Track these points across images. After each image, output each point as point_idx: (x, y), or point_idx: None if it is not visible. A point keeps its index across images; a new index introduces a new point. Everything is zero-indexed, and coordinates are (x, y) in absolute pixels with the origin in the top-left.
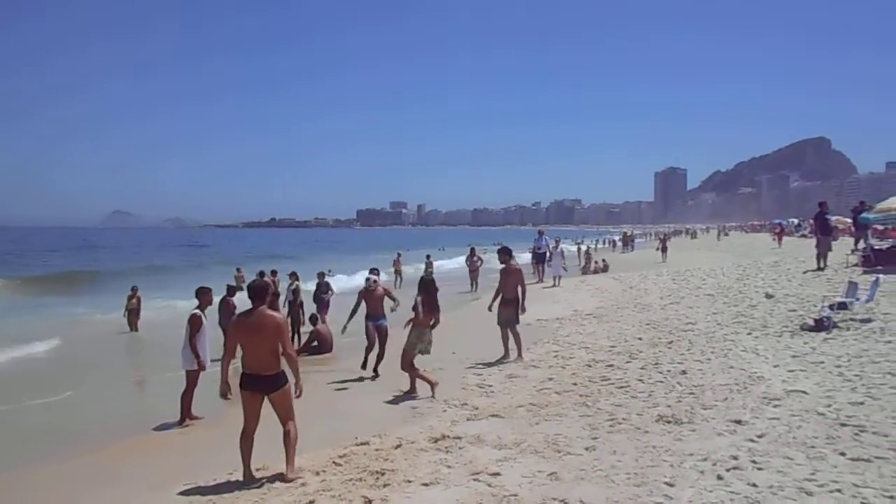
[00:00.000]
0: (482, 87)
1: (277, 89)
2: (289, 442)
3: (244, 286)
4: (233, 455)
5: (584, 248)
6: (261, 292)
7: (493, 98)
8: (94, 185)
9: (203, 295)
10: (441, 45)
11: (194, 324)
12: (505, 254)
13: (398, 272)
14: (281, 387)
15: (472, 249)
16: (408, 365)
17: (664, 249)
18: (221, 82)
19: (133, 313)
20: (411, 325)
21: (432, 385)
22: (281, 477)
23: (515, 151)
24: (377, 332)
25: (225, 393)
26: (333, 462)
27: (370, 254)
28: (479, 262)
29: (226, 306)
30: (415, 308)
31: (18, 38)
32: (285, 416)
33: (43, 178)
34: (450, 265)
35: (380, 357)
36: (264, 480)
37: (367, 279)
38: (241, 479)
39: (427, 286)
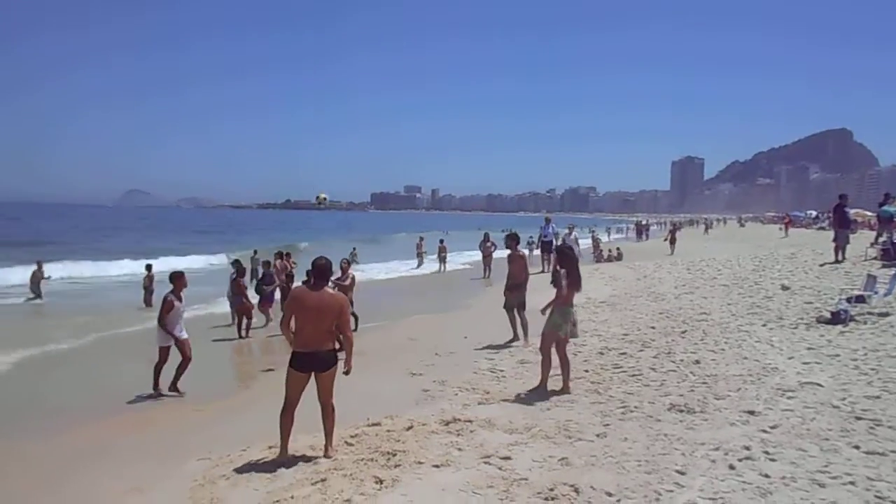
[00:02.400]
0: (502, 71)
1: (298, 70)
2: (329, 422)
3: (259, 268)
4: (246, 432)
5: (595, 237)
6: (325, 271)
7: (511, 83)
8: (110, 163)
9: (177, 279)
10: (463, 28)
11: (165, 306)
12: (512, 240)
13: (443, 259)
14: (332, 365)
15: (486, 235)
16: (547, 349)
17: (672, 241)
18: (241, 61)
19: (147, 291)
20: (552, 305)
21: (543, 382)
22: (312, 453)
23: (531, 138)
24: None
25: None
26: (345, 442)
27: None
28: (493, 248)
29: (237, 286)
30: (557, 283)
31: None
32: (328, 395)
33: (57, 157)
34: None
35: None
36: (297, 458)
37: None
38: (253, 455)
39: (567, 255)
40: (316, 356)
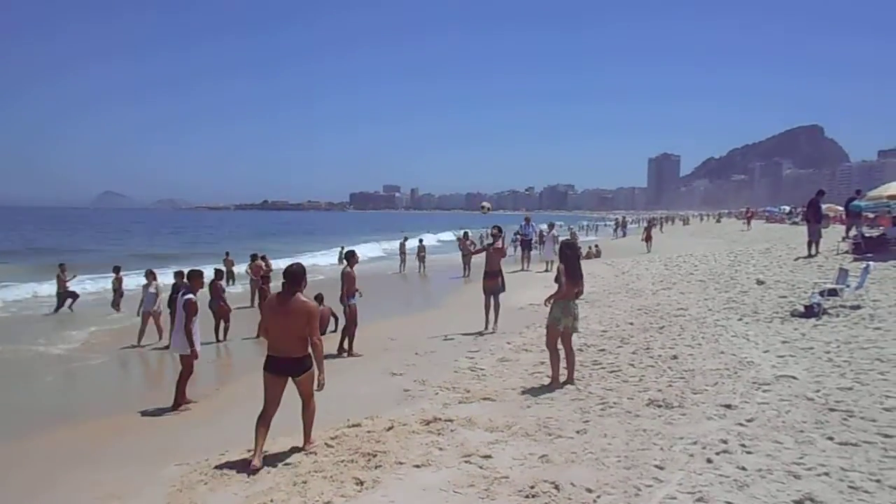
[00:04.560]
0: (479, 68)
1: (273, 72)
2: (308, 418)
3: (234, 270)
4: (225, 435)
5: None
6: (297, 277)
7: (489, 80)
8: (85, 165)
9: (194, 279)
10: (436, 26)
11: (190, 309)
12: (496, 229)
13: (422, 259)
14: (307, 370)
15: (466, 233)
16: (552, 344)
17: (648, 238)
18: (217, 64)
19: (117, 294)
20: (553, 299)
21: (554, 377)
22: (290, 450)
23: (509, 133)
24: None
25: None
26: (325, 443)
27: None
28: (473, 246)
29: (214, 289)
30: (557, 278)
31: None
32: (308, 397)
33: (33, 158)
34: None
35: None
36: (269, 451)
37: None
38: (232, 459)
39: (567, 251)
40: (287, 361)
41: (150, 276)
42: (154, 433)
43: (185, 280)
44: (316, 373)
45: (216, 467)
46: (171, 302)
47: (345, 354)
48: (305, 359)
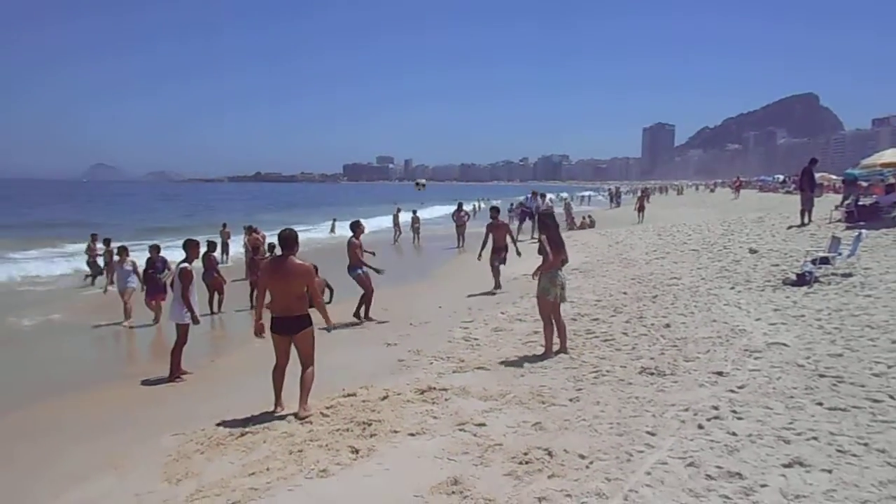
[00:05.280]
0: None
1: (275, 62)
2: (305, 383)
3: (229, 242)
4: (220, 405)
5: (568, 203)
6: (290, 241)
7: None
8: (75, 136)
9: (191, 248)
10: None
11: (186, 277)
12: (494, 211)
13: (416, 230)
14: (304, 328)
15: (460, 205)
16: (546, 314)
17: (641, 209)
18: (217, 54)
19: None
20: (540, 270)
21: (547, 346)
22: (294, 415)
23: (505, 103)
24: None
25: (259, 331)
26: (321, 413)
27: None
28: (466, 217)
29: (208, 261)
30: (541, 250)
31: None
32: (306, 358)
33: (30, 132)
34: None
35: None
36: (265, 420)
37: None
38: (228, 429)
39: (547, 221)
40: (287, 320)
41: (124, 252)
42: (149, 403)
43: (158, 254)
44: (314, 332)
45: (212, 437)
46: (147, 278)
47: (366, 320)
48: (304, 317)
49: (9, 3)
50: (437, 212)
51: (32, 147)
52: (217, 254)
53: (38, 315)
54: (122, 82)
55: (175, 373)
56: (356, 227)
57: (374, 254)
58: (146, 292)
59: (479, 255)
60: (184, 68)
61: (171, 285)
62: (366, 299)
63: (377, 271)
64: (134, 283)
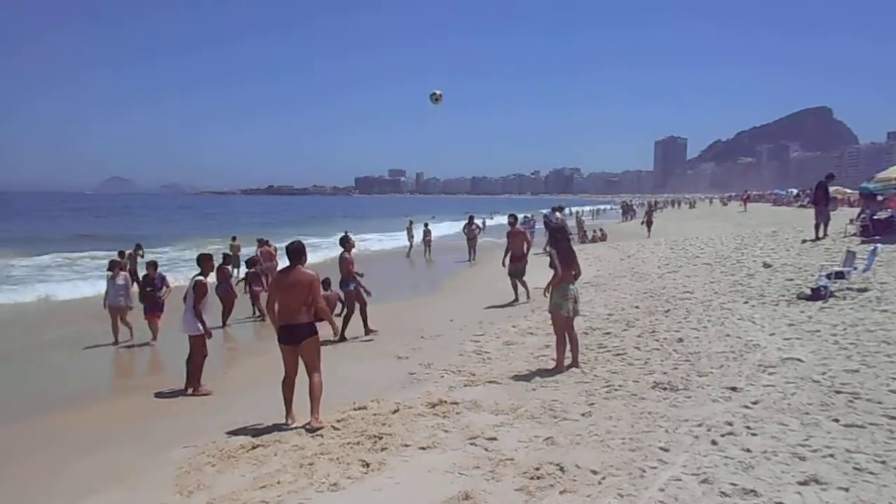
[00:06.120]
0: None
1: (278, 74)
2: (314, 392)
3: (239, 256)
4: (231, 418)
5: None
6: (297, 253)
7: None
8: (92, 150)
9: (205, 262)
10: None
11: (199, 290)
12: (512, 217)
13: (428, 243)
14: (309, 336)
15: (471, 217)
16: (560, 330)
17: (649, 223)
18: (225, 67)
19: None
20: (551, 285)
21: (559, 361)
22: (306, 426)
23: (514, 113)
24: (357, 297)
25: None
26: (332, 426)
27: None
28: (478, 231)
29: (222, 274)
30: (552, 264)
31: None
32: (312, 366)
33: (45, 146)
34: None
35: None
36: (276, 433)
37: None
38: (239, 441)
39: (557, 236)
40: (292, 329)
41: (116, 266)
42: (161, 416)
43: (156, 271)
44: (319, 338)
45: (223, 449)
46: (144, 296)
47: (340, 341)
48: (310, 325)
49: (15, 12)
50: (447, 228)
51: (47, 160)
52: (230, 267)
53: (57, 327)
54: (134, 94)
55: (195, 385)
56: (346, 242)
57: (362, 274)
58: (144, 310)
59: (503, 261)
60: (196, 80)
61: (184, 298)
62: (348, 318)
63: (367, 293)
64: (123, 300)
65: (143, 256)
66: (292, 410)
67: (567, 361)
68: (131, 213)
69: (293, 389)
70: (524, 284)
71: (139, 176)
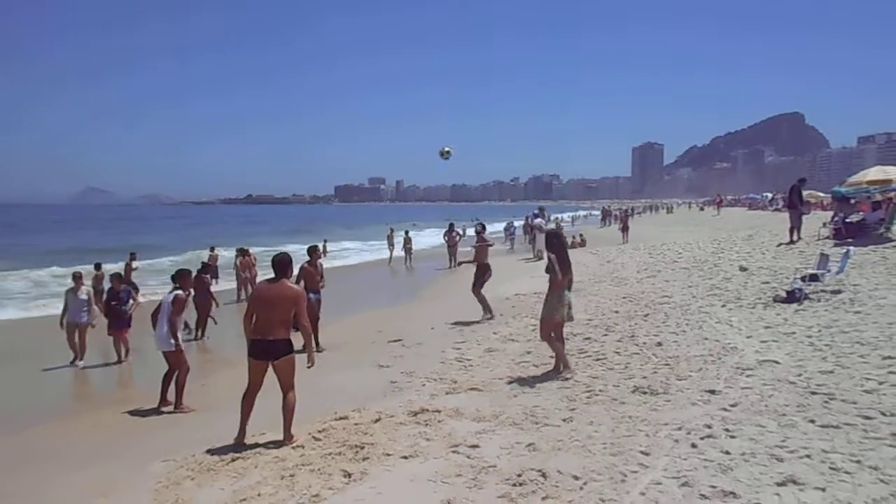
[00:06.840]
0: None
1: (266, 83)
2: (287, 409)
3: (217, 266)
4: (210, 431)
5: (558, 223)
6: (283, 266)
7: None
8: (67, 161)
9: (183, 278)
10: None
11: (178, 304)
12: (480, 226)
13: (408, 250)
14: (285, 354)
15: (451, 225)
16: (548, 335)
17: (625, 229)
18: (213, 76)
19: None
20: (548, 289)
21: (566, 364)
22: (276, 444)
23: (494, 127)
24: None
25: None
26: (313, 437)
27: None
28: (458, 238)
29: (200, 283)
30: (550, 268)
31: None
32: (287, 384)
33: (9, 152)
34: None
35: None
36: (256, 445)
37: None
38: (218, 454)
39: (554, 241)
40: (267, 344)
41: (78, 279)
42: (139, 430)
43: (122, 285)
44: (300, 357)
45: (202, 463)
46: (109, 310)
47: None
48: (286, 343)
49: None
50: (431, 237)
51: (21, 170)
52: (208, 276)
53: (42, 340)
54: (112, 107)
55: (178, 403)
56: (313, 252)
57: (323, 286)
58: (109, 325)
59: (460, 262)
60: (173, 90)
61: (153, 314)
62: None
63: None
64: (86, 317)
65: (135, 269)
66: (245, 429)
67: (548, 368)
68: (119, 225)
69: (252, 406)
70: (480, 297)
71: (116, 186)
